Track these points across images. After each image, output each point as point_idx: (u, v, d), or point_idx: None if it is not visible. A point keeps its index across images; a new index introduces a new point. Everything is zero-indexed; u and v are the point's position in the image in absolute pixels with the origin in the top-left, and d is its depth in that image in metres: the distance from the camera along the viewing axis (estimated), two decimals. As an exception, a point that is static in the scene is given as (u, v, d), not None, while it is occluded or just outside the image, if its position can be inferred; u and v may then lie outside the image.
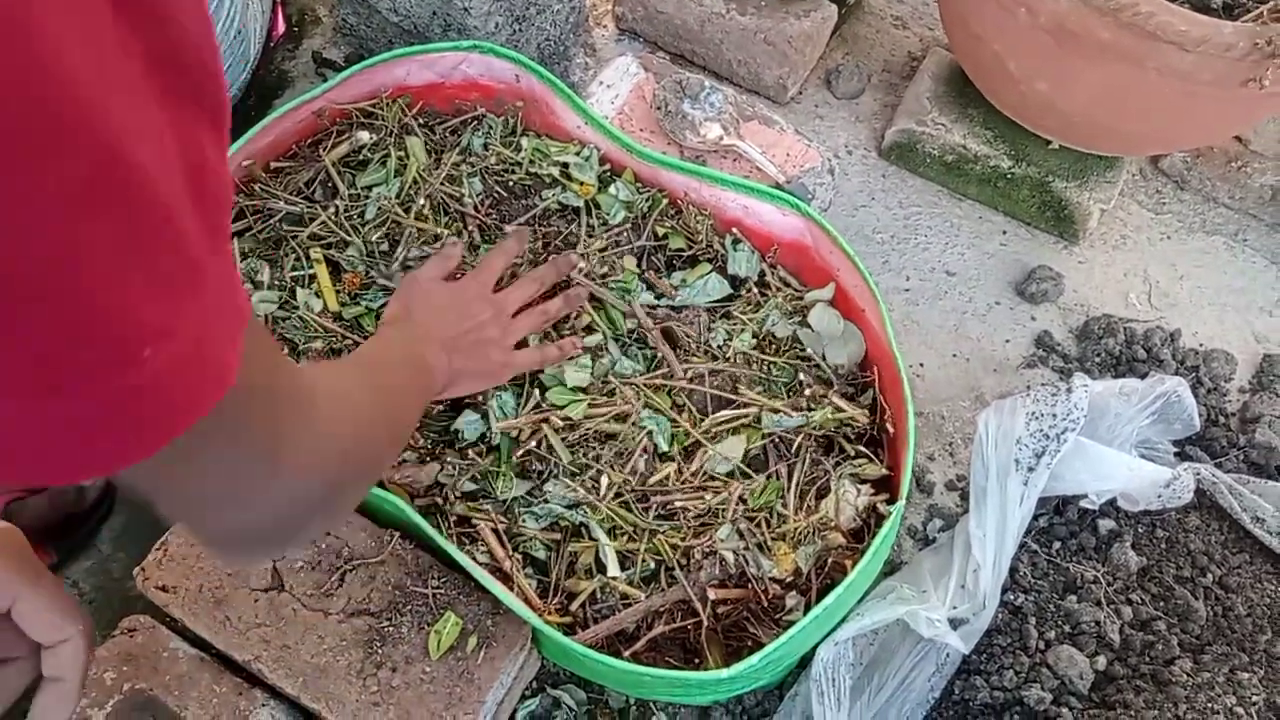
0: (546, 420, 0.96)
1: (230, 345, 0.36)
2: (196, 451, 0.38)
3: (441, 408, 0.98)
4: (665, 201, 1.13)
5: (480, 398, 0.97)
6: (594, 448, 0.97)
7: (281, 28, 1.46)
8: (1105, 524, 1.06)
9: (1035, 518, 1.06)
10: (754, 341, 1.05)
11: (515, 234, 1.03)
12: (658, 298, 1.07)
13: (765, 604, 0.91)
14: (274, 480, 0.46)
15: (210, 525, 0.49)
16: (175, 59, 0.31)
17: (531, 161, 1.14)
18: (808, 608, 0.89)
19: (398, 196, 1.09)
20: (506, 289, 0.97)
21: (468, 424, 0.96)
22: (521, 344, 0.96)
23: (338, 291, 1.03)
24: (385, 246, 1.06)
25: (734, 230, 1.11)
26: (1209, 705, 0.88)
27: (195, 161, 0.33)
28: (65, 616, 0.53)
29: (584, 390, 0.99)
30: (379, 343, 0.87)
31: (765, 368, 1.04)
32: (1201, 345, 1.26)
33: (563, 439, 0.96)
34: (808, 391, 1.01)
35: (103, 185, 0.28)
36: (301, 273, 1.04)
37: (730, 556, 0.92)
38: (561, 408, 0.97)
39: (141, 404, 0.33)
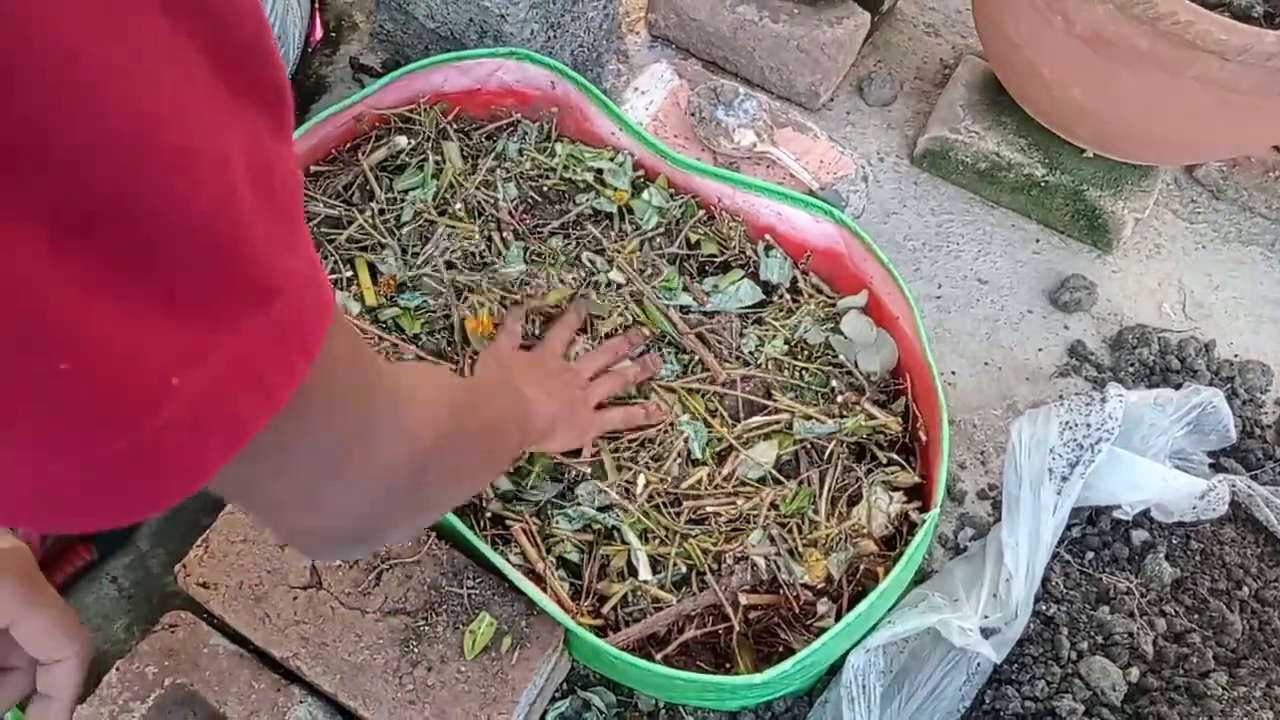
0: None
1: (304, 347, 0.33)
2: (274, 455, 0.36)
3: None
4: (698, 208, 1.13)
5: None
6: (631, 448, 0.97)
7: (319, 33, 1.48)
8: (1139, 535, 1.06)
9: (1068, 528, 1.06)
10: (786, 348, 1.05)
11: (575, 307, 1.03)
12: (686, 306, 1.08)
13: (796, 610, 0.91)
14: (356, 480, 0.44)
15: (290, 524, 0.46)
16: (225, 41, 0.29)
17: (566, 167, 1.15)
18: (839, 615, 0.89)
19: (434, 200, 1.10)
20: (582, 358, 0.98)
21: None
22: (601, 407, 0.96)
23: (375, 293, 1.04)
24: (420, 249, 1.07)
25: (767, 236, 1.11)
26: None
27: (259, 159, 0.30)
28: (64, 637, 0.54)
29: (622, 397, 1.01)
30: (478, 374, 0.87)
31: (797, 374, 1.04)
32: (1237, 356, 1.25)
33: (600, 445, 0.96)
34: (840, 398, 1.02)
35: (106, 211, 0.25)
36: (339, 276, 1.05)
37: (762, 562, 0.92)
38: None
39: (179, 438, 0.30)
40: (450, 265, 1.06)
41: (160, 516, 1.10)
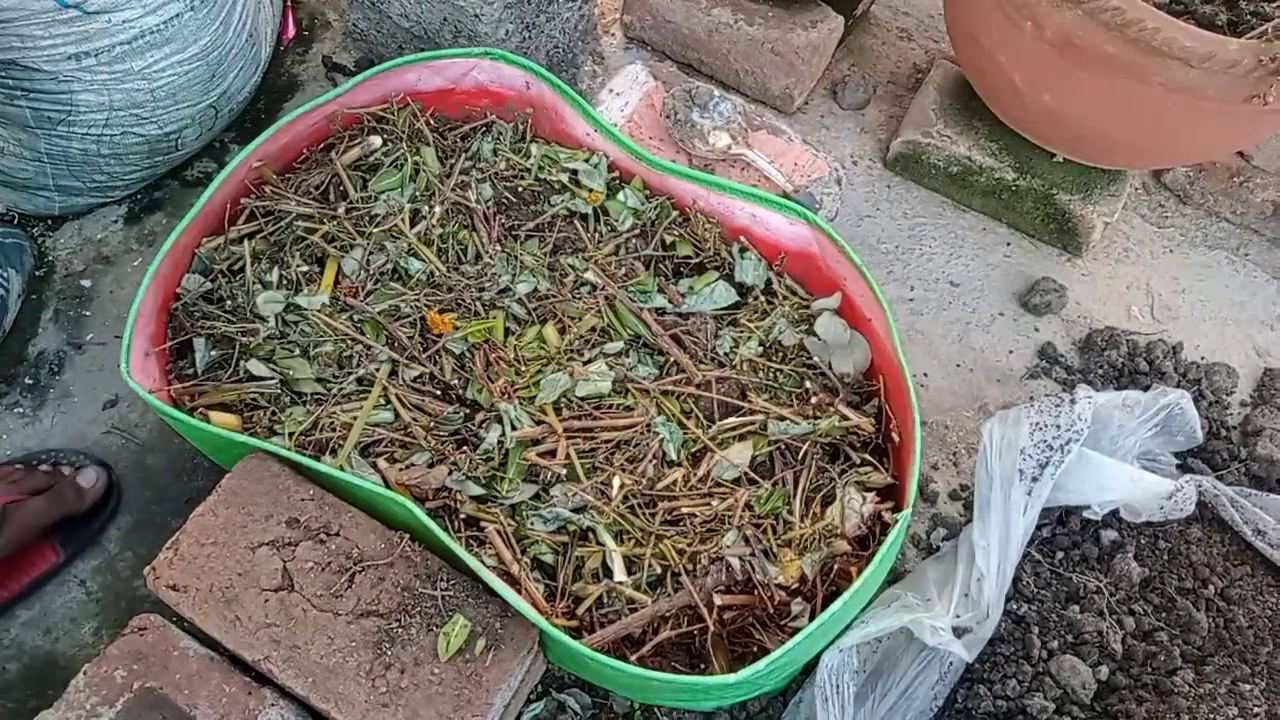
0: (560, 432, 0.97)
1: None
2: None
3: (453, 409, 0.98)
4: (673, 209, 1.13)
5: (493, 405, 0.98)
6: (606, 449, 0.97)
7: (292, 31, 1.47)
8: (1108, 535, 1.07)
9: (1038, 528, 1.07)
10: (761, 349, 1.06)
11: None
12: (662, 308, 1.08)
13: (771, 610, 0.91)
14: None
15: None
16: None
17: (540, 168, 1.15)
18: (813, 614, 0.90)
19: (410, 202, 1.10)
20: None
21: (490, 434, 0.97)
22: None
23: (335, 299, 1.03)
24: (384, 260, 1.05)
25: (741, 238, 1.11)
26: (1211, 716, 0.89)
27: None
28: None
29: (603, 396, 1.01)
30: None
31: (772, 375, 1.04)
32: (1203, 358, 1.27)
33: (575, 447, 0.96)
34: (814, 399, 1.02)
35: None
36: (306, 269, 1.05)
37: (736, 563, 0.92)
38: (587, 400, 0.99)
39: None
40: (413, 255, 1.06)
41: (129, 519, 1.09)
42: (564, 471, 0.96)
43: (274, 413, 0.97)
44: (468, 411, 1.00)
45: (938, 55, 1.51)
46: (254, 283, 1.03)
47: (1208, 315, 1.33)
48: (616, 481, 0.95)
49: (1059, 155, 1.31)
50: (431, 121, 1.16)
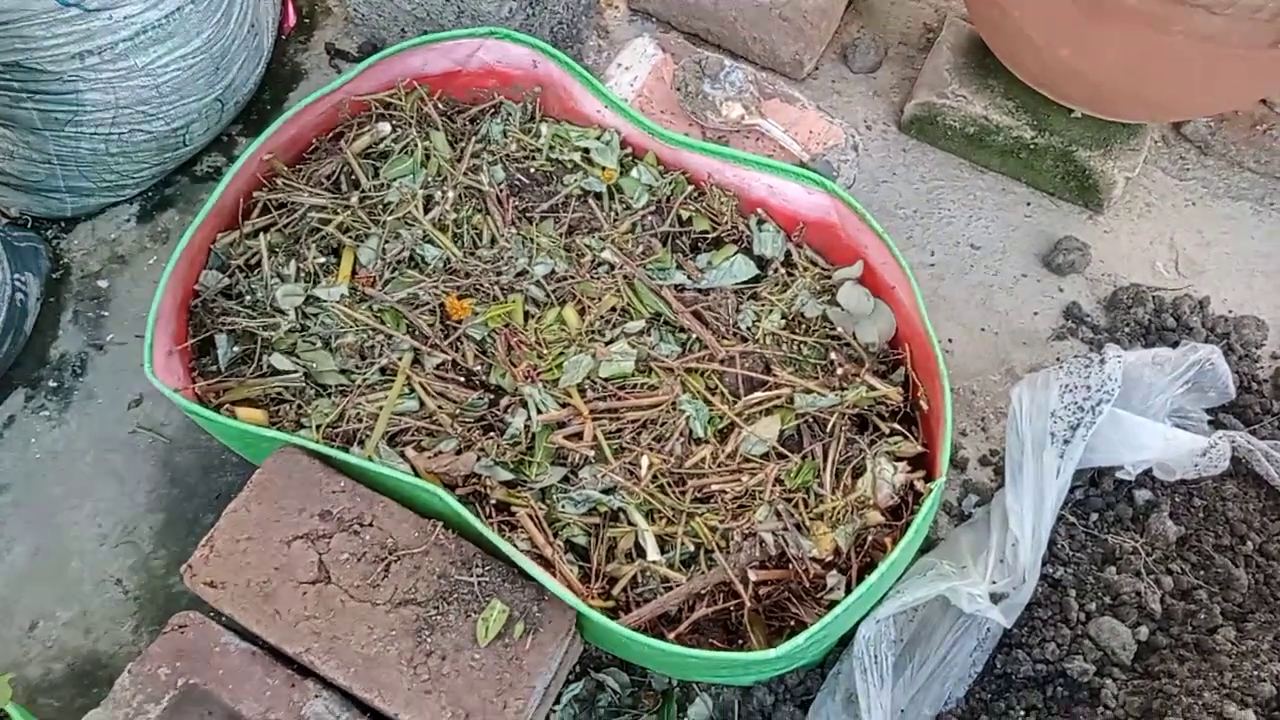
0: (585, 413, 0.96)
1: None
2: None
3: (477, 395, 0.98)
4: (688, 184, 1.12)
5: (517, 390, 0.97)
6: (633, 429, 0.97)
7: (292, 20, 1.45)
8: (1142, 494, 1.06)
9: (1071, 490, 1.06)
10: (783, 322, 1.05)
11: None
12: (681, 284, 1.07)
13: (806, 584, 0.91)
14: None
15: None
16: None
17: (551, 148, 1.13)
18: (849, 586, 0.90)
19: (423, 188, 1.09)
20: None
21: (516, 418, 0.96)
22: None
23: (353, 289, 1.03)
24: (400, 248, 1.05)
25: (759, 211, 1.10)
26: (1255, 673, 0.88)
27: None
28: None
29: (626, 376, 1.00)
30: None
31: (796, 348, 1.03)
32: (1231, 312, 1.25)
33: (602, 428, 0.96)
34: (840, 370, 1.01)
35: None
36: (323, 261, 1.04)
37: (769, 538, 0.92)
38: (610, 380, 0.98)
39: None
40: (429, 241, 1.05)
41: (160, 517, 1.09)
42: (592, 453, 0.96)
43: (299, 406, 0.97)
44: (492, 397, 0.99)
45: (949, 13, 1.48)
46: (272, 276, 1.03)
47: (1234, 267, 1.31)
48: (645, 461, 0.95)
49: (1077, 111, 1.29)
50: (440, 105, 1.15)
